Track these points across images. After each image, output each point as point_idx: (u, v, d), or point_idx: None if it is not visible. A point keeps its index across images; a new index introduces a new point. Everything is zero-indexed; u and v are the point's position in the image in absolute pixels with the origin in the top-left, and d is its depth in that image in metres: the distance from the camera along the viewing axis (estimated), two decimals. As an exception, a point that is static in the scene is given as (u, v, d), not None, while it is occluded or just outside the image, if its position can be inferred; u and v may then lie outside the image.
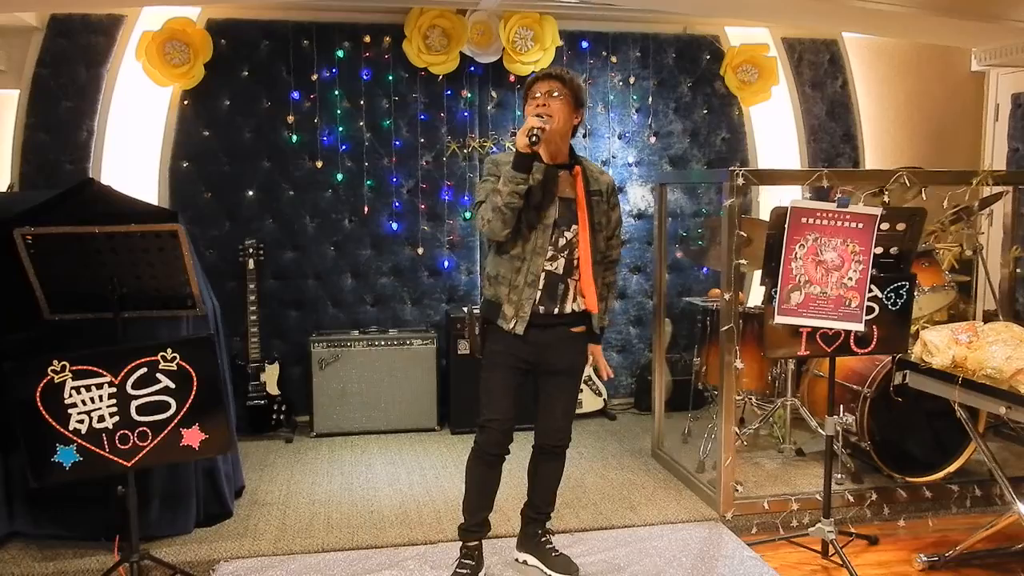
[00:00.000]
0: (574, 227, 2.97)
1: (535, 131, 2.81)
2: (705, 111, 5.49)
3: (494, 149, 5.15)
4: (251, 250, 4.80)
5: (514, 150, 2.87)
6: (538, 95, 2.96)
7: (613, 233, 3.15)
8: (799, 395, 4.36)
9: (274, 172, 5.01)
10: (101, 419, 2.82)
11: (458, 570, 3.11)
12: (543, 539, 3.22)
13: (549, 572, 3.16)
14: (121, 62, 4.73)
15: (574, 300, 3.02)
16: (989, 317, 4.52)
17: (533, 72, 3.28)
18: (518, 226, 2.93)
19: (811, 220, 3.12)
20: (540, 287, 2.96)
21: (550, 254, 2.96)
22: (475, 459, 3.09)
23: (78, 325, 3.04)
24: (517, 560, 3.28)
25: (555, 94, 2.94)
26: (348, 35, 5.00)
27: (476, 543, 3.16)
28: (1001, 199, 4.33)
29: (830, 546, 3.37)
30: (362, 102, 5.04)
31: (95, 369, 2.80)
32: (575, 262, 2.99)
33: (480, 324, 3.08)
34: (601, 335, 3.17)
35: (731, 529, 3.61)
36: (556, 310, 2.99)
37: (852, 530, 3.59)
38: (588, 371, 5.18)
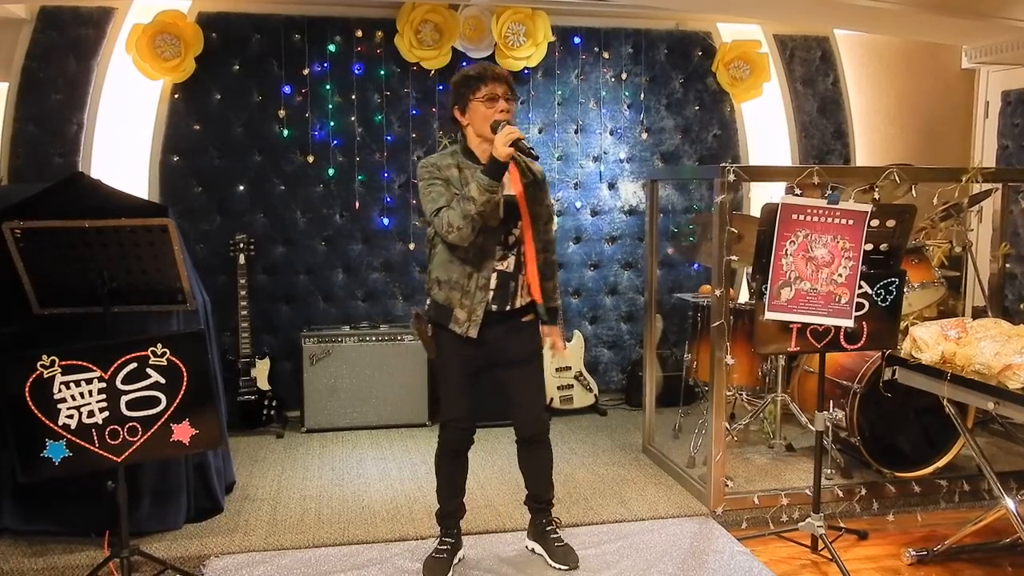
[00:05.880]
0: (520, 223, 2.99)
1: (519, 142, 2.77)
2: (697, 107, 5.50)
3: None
4: (242, 245, 4.78)
5: (447, 152, 2.91)
6: (498, 99, 2.88)
7: (549, 216, 3.16)
8: (789, 391, 4.38)
9: (265, 166, 4.99)
10: (91, 414, 2.80)
11: (438, 547, 3.20)
12: (548, 528, 3.28)
13: (551, 562, 3.22)
14: (111, 55, 4.70)
15: (522, 295, 3.05)
16: (978, 313, 4.54)
17: (475, 64, 3.05)
18: None
19: (801, 217, 3.13)
20: (492, 289, 2.98)
21: (500, 254, 2.97)
22: (441, 455, 3.19)
23: (68, 319, 3.03)
24: (527, 548, 3.35)
25: (509, 98, 2.91)
26: (340, 29, 4.98)
27: (453, 526, 3.24)
28: (990, 196, 4.35)
29: (820, 541, 3.38)
30: (354, 97, 5.02)
31: (85, 364, 2.78)
32: (523, 257, 3.01)
33: (431, 327, 3.08)
34: (556, 314, 3.18)
35: (721, 524, 3.62)
36: (508, 307, 3.01)
37: (842, 525, 3.61)
38: (580, 367, 5.20)
